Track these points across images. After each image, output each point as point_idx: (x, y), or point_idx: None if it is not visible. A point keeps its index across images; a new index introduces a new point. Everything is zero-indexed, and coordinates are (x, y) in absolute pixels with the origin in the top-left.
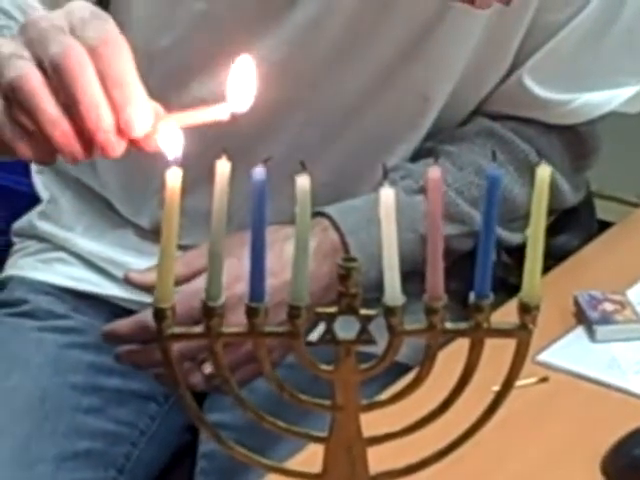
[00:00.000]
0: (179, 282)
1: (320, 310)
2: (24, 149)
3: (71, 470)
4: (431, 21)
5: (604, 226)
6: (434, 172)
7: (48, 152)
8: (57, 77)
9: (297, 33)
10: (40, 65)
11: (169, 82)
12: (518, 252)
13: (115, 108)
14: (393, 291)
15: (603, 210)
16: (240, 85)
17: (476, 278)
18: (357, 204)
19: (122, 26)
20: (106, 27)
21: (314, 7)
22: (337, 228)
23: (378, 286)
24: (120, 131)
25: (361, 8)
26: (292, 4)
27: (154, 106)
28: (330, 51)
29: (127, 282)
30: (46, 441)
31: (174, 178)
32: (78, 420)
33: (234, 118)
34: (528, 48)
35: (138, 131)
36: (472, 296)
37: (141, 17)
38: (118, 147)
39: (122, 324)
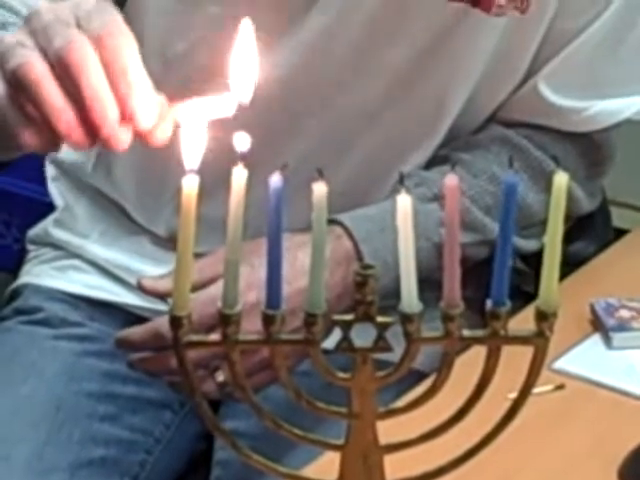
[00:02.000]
0: (192, 289)
1: (337, 318)
2: (28, 137)
3: (86, 478)
4: (448, 27)
5: (619, 233)
6: (451, 180)
7: (52, 140)
8: (62, 70)
9: (314, 37)
10: (44, 55)
11: (185, 87)
12: (532, 259)
13: (120, 100)
14: (410, 298)
15: (618, 217)
16: (242, 74)
17: (493, 285)
18: (370, 212)
19: (136, 33)
20: (111, 17)
21: (331, 11)
22: (351, 236)
23: (390, 294)
24: (125, 123)
25: (379, 13)
26: (309, 8)
27: (159, 99)
28: (347, 56)
29: (140, 289)
30: (61, 449)
31: (190, 185)
32: (93, 428)
33: (239, 110)
34: (544, 55)
35: (144, 123)
36: (489, 303)
37: (156, 23)
38: (123, 140)
39: (135, 331)
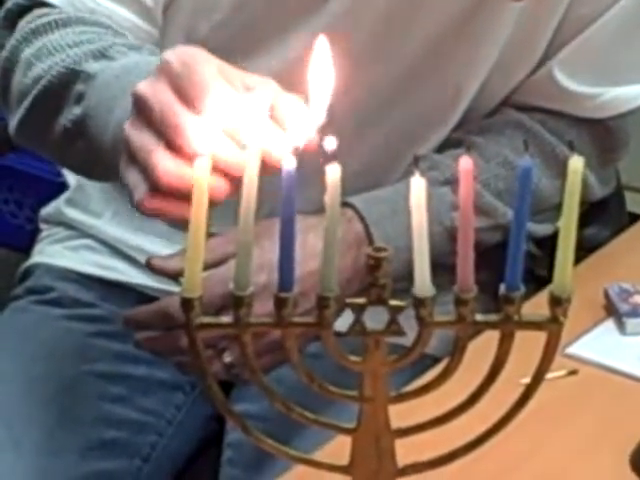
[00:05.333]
0: (202, 269)
1: (350, 301)
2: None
3: (97, 459)
4: (467, 12)
5: (634, 218)
6: (466, 163)
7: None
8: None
9: (332, 23)
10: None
11: None
12: (546, 242)
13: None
14: (423, 282)
15: (632, 202)
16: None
17: (507, 269)
18: (382, 195)
19: (169, 17)
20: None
21: None
22: (362, 219)
23: (400, 278)
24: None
25: (396, 0)
26: None
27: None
28: (365, 41)
29: (149, 268)
30: (72, 430)
31: (203, 166)
32: (104, 409)
33: None
34: (559, 40)
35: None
36: (502, 288)
37: (186, 6)
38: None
39: (143, 310)
